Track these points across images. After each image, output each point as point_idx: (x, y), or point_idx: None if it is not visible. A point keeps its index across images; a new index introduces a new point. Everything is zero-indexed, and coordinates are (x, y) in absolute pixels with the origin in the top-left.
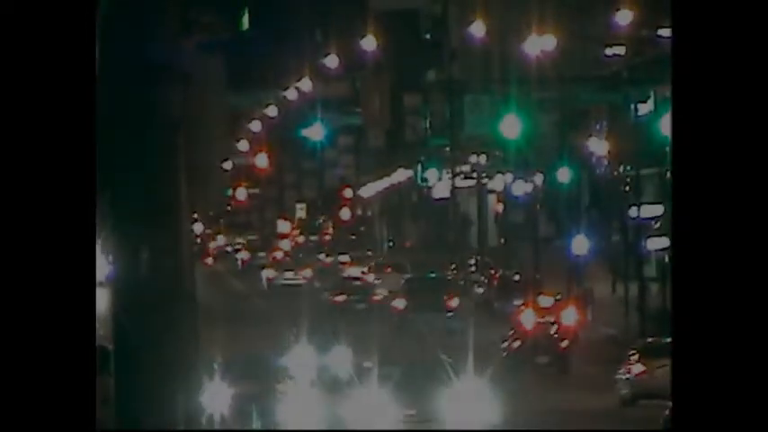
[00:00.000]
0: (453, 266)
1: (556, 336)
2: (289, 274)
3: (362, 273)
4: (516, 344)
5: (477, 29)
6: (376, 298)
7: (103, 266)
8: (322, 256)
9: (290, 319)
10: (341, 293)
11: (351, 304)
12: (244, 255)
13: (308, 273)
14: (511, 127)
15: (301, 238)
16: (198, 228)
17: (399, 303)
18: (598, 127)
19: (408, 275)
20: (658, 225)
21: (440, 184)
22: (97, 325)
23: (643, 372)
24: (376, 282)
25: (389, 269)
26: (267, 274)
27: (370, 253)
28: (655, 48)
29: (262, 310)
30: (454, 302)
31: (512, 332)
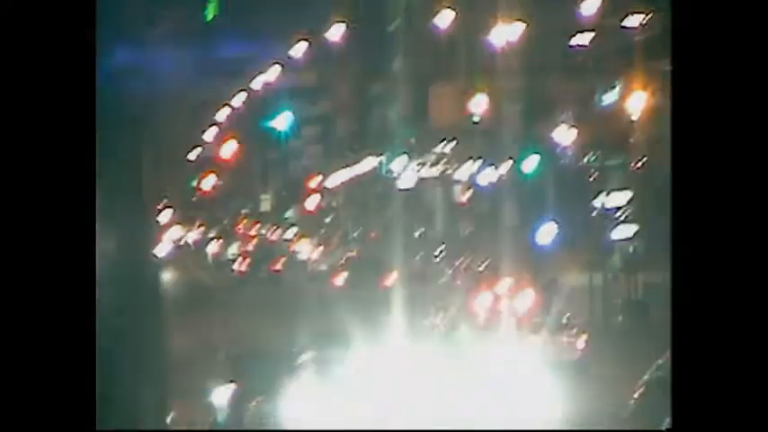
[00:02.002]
0: (418, 257)
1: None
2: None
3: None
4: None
5: (444, 18)
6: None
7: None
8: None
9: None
10: None
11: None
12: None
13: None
14: (479, 106)
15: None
16: (163, 218)
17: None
18: (564, 116)
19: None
20: (622, 215)
21: (405, 175)
22: None
23: None
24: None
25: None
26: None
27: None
28: (620, 38)
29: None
30: (390, 281)
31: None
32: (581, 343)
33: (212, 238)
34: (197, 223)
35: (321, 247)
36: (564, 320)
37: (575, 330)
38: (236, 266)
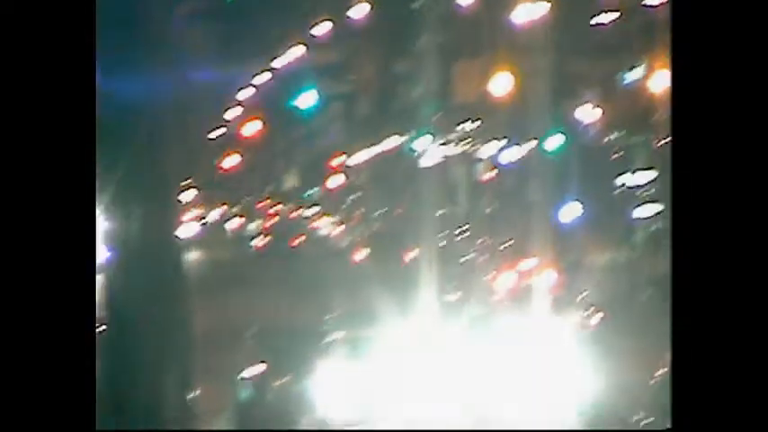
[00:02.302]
0: (441, 236)
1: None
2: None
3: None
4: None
5: None
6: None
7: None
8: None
9: None
10: None
11: None
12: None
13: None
14: (501, 85)
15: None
16: (186, 197)
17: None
18: (588, 95)
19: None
20: (646, 193)
21: (429, 152)
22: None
23: None
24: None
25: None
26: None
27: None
28: (643, 16)
29: None
30: (412, 255)
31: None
32: (596, 320)
33: (233, 216)
34: (219, 202)
35: (342, 225)
36: (580, 298)
37: (591, 308)
38: (254, 242)
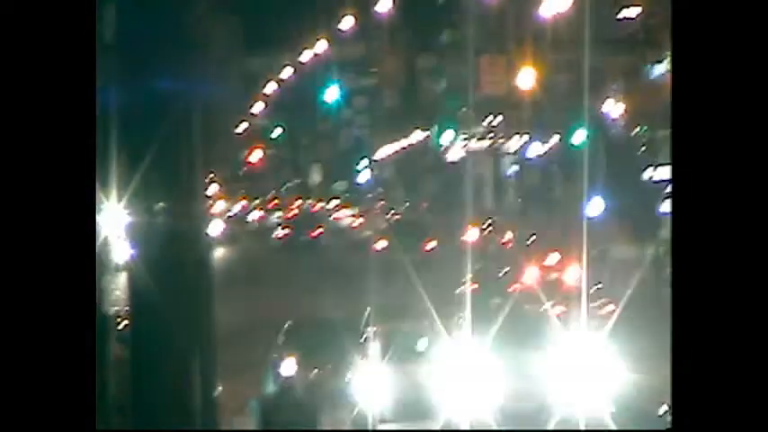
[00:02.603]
0: (469, 227)
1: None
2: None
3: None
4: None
5: None
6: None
7: (123, 225)
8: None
9: None
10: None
11: None
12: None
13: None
14: (527, 79)
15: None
16: (212, 191)
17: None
18: (614, 88)
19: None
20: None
21: (455, 146)
22: (114, 287)
23: None
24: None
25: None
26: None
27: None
28: (669, 8)
29: None
30: (431, 245)
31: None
32: (609, 313)
33: (256, 208)
34: (244, 196)
35: (363, 217)
36: (594, 290)
37: (604, 301)
38: (277, 233)
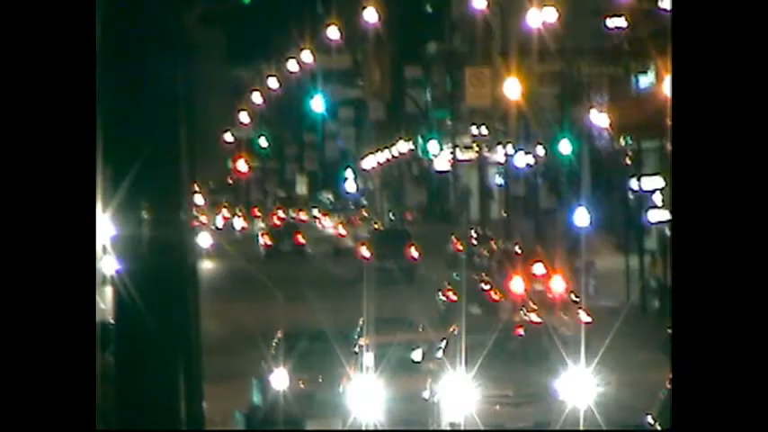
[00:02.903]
0: (454, 238)
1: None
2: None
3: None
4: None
5: (480, 1)
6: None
7: (108, 236)
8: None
9: None
10: None
11: None
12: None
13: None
14: (512, 90)
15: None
16: (199, 200)
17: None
18: (599, 99)
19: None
20: (659, 197)
21: (441, 157)
22: (99, 298)
23: None
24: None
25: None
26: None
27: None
28: (655, 20)
29: None
30: (414, 253)
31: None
32: (584, 318)
33: (242, 216)
34: (231, 205)
35: (347, 224)
36: (573, 298)
37: (580, 308)
38: (261, 241)
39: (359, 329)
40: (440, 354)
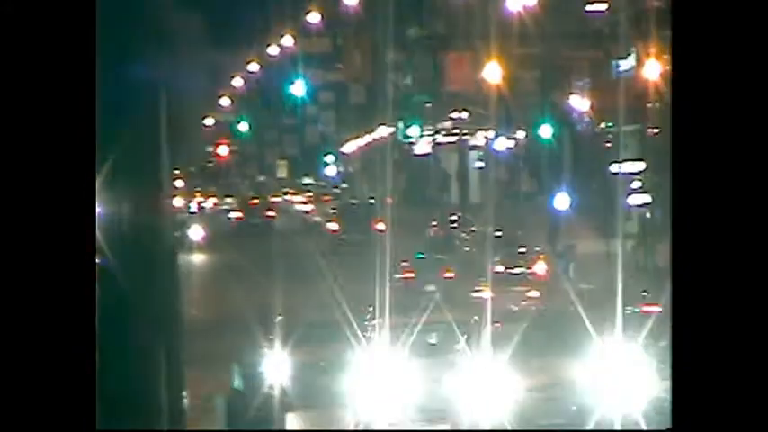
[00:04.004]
0: (434, 222)
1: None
2: None
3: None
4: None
5: None
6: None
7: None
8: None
9: None
10: None
11: None
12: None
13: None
14: (492, 74)
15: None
16: (180, 185)
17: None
18: (580, 83)
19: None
20: (639, 181)
21: (421, 141)
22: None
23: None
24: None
25: None
26: None
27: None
28: (635, 4)
29: None
30: (381, 225)
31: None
32: (533, 294)
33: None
34: (212, 190)
35: (316, 201)
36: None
37: (529, 286)
38: (232, 215)
39: (370, 310)
40: (460, 343)
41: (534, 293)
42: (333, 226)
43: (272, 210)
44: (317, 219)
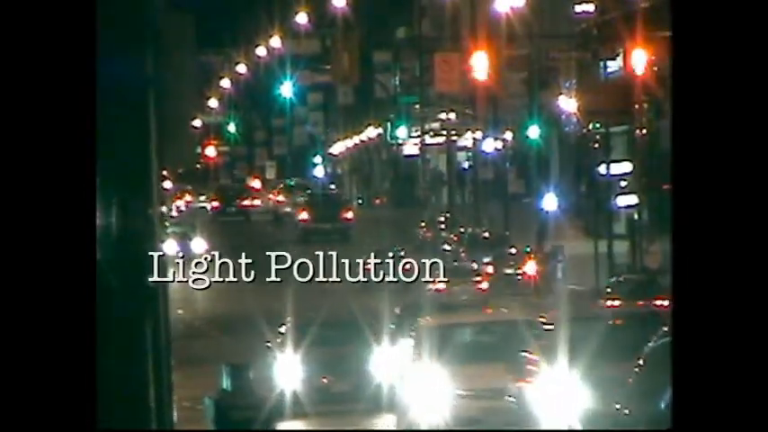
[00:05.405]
0: (423, 223)
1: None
2: None
3: None
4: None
5: None
6: None
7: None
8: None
9: None
10: None
11: None
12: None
13: None
14: (480, 68)
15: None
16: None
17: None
18: (567, 84)
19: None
20: (626, 182)
21: (410, 142)
22: None
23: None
24: None
25: None
26: None
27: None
28: (624, 5)
29: None
30: (349, 215)
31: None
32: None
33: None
34: (199, 191)
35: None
36: (475, 266)
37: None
38: (209, 205)
39: (399, 314)
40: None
41: (484, 285)
42: (304, 215)
43: (245, 198)
44: (288, 209)
